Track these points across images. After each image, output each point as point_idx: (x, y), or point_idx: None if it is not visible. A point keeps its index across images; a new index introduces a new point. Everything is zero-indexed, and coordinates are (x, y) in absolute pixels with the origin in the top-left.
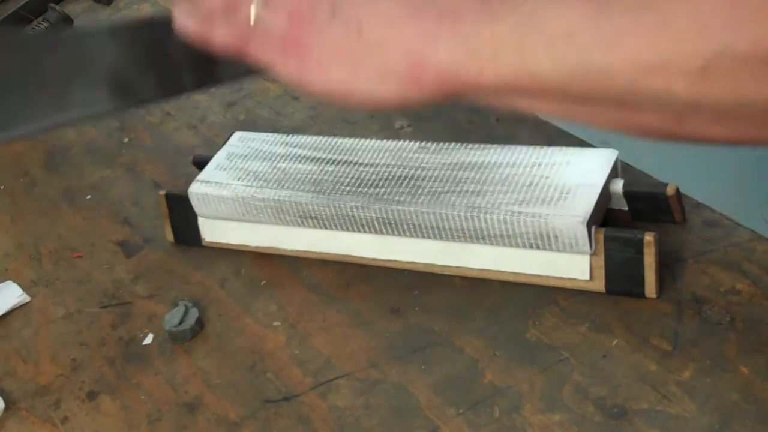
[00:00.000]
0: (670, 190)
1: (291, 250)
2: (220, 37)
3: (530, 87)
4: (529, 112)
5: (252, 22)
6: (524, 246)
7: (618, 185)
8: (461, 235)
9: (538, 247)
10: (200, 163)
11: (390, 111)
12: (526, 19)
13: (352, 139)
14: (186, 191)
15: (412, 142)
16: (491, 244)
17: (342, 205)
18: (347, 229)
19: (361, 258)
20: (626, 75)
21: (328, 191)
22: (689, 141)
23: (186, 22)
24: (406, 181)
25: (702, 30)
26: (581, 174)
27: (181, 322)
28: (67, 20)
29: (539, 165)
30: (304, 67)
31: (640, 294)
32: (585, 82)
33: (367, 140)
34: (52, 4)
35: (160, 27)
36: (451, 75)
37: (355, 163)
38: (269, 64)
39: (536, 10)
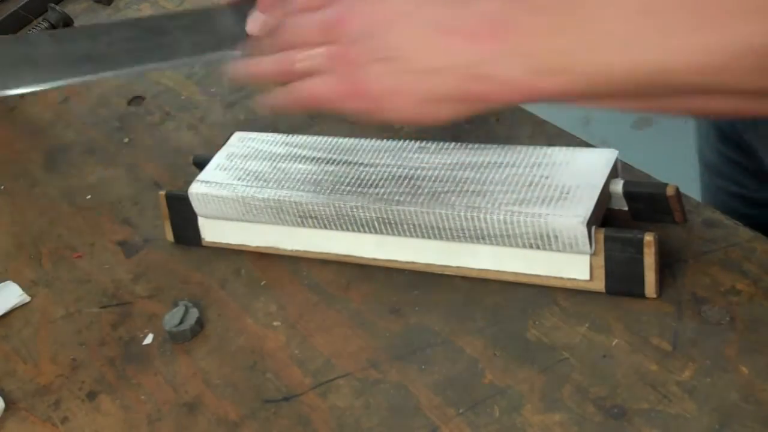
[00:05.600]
0: (670, 190)
1: (291, 250)
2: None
3: (591, 92)
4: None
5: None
6: (524, 246)
7: (618, 185)
8: (461, 235)
9: (538, 247)
10: (200, 163)
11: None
12: (580, 30)
13: (352, 139)
14: (186, 191)
15: (412, 142)
16: (491, 244)
17: (342, 205)
18: (347, 229)
19: (361, 258)
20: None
21: (328, 191)
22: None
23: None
24: (406, 181)
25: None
26: (581, 174)
27: (181, 322)
28: (67, 20)
29: (539, 165)
30: (367, 104)
31: (640, 294)
32: (644, 80)
33: (367, 140)
34: (52, 4)
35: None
36: (508, 91)
37: (355, 163)
38: (337, 107)
39: (589, 16)
